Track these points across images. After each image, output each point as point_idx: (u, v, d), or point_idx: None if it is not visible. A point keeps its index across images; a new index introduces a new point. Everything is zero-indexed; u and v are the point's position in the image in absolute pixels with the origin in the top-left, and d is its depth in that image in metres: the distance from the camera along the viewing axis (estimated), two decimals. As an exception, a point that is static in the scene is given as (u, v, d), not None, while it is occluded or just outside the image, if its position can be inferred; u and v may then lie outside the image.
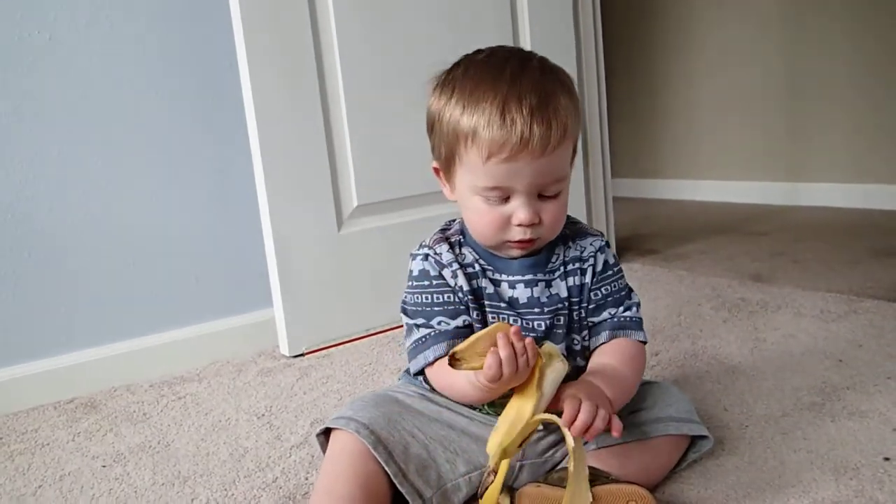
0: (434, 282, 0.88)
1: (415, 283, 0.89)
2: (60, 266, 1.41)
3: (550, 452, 0.89)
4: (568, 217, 0.90)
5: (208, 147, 1.54)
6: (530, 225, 0.82)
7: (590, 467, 0.80)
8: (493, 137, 0.77)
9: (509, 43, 1.78)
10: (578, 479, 0.74)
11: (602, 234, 0.94)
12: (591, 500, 0.75)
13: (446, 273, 0.88)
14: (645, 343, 0.91)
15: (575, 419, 0.73)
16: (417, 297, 0.88)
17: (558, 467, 0.87)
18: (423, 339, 0.87)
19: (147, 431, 1.21)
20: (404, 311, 0.90)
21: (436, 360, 0.85)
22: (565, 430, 0.73)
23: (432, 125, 0.86)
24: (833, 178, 2.75)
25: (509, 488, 0.84)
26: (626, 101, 3.50)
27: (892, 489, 0.83)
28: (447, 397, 0.89)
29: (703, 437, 0.90)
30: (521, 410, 0.75)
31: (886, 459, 0.90)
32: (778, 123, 2.91)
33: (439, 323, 0.87)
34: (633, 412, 0.89)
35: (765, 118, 2.95)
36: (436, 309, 0.87)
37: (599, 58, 2.10)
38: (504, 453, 0.74)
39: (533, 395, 0.74)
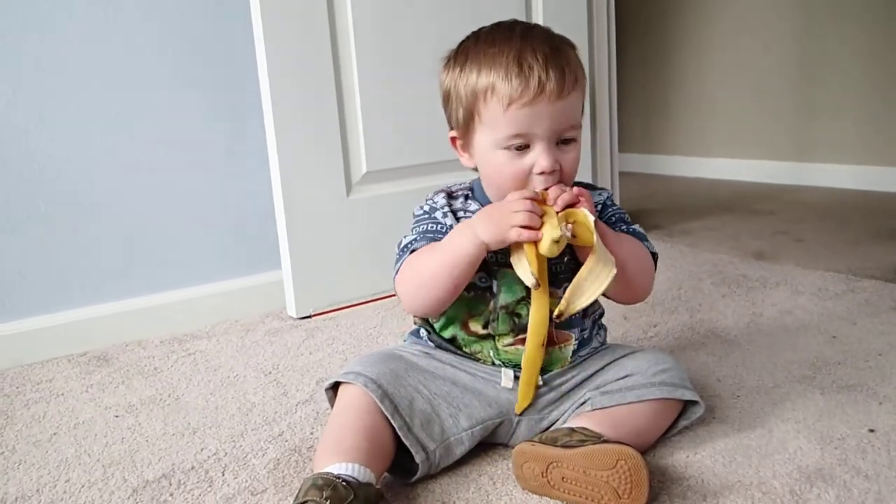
0: (428, 216, 0.95)
1: (414, 220, 0.96)
2: (75, 222, 1.44)
3: (548, 410, 0.93)
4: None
5: (222, 110, 1.56)
6: (552, 172, 0.86)
7: (583, 428, 0.84)
8: (512, 85, 0.83)
9: (521, 14, 1.80)
10: (601, 249, 0.81)
11: (608, 190, 1.01)
12: (614, 269, 0.82)
13: (438, 214, 0.94)
14: (654, 255, 0.96)
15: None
16: (416, 229, 0.95)
17: (553, 427, 0.91)
18: (409, 244, 0.92)
19: (158, 385, 1.25)
20: (399, 244, 0.95)
21: (413, 251, 0.91)
22: (583, 211, 0.82)
23: (447, 96, 0.92)
24: (842, 159, 2.75)
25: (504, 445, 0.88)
26: (638, 77, 3.49)
27: (874, 458, 0.86)
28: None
29: (694, 405, 0.93)
30: (549, 219, 0.81)
31: (871, 431, 0.93)
32: (789, 104, 2.91)
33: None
34: (626, 376, 0.92)
35: (776, 98, 2.95)
36: (427, 235, 0.93)
37: (611, 33, 2.11)
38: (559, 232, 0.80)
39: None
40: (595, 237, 0.81)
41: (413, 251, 0.91)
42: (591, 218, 0.81)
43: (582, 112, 0.91)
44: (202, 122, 1.55)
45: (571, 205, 0.83)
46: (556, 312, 0.82)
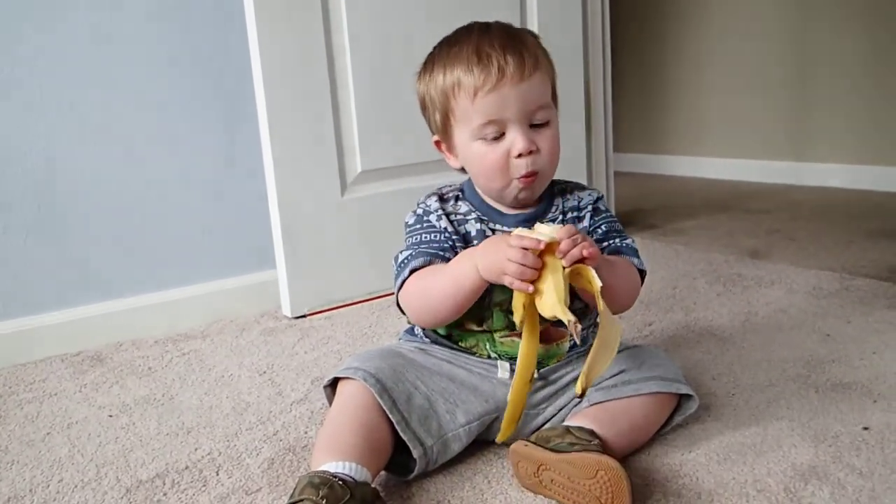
0: (424, 224, 0.95)
1: (408, 230, 0.96)
2: (70, 222, 1.43)
3: (543, 406, 0.93)
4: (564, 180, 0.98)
5: (217, 109, 1.56)
6: (529, 153, 0.87)
7: (578, 428, 0.84)
8: (474, 75, 0.86)
9: (516, 11, 1.81)
10: (608, 317, 0.80)
11: (599, 191, 1.01)
12: (621, 327, 0.81)
13: (432, 217, 0.94)
14: (642, 271, 0.96)
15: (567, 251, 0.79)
16: (410, 240, 0.95)
17: (546, 426, 0.91)
18: (406, 259, 0.92)
19: (152, 384, 1.24)
20: (396, 259, 0.95)
21: (412, 271, 0.91)
22: (590, 271, 0.79)
23: (423, 102, 0.95)
24: (837, 158, 2.76)
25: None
26: (634, 77, 3.50)
27: (868, 456, 0.86)
28: (430, 332, 0.95)
29: (688, 400, 0.93)
30: (554, 274, 0.79)
31: (865, 429, 0.93)
32: (784, 103, 2.91)
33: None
34: (621, 372, 0.92)
35: (772, 98, 2.95)
36: (422, 246, 0.93)
37: (606, 33, 2.11)
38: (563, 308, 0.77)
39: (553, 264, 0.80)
40: (602, 305, 0.78)
41: (413, 269, 0.90)
42: (598, 282, 0.78)
43: (555, 96, 0.92)
44: (196, 122, 1.54)
45: (580, 260, 0.79)
46: (577, 391, 0.78)
